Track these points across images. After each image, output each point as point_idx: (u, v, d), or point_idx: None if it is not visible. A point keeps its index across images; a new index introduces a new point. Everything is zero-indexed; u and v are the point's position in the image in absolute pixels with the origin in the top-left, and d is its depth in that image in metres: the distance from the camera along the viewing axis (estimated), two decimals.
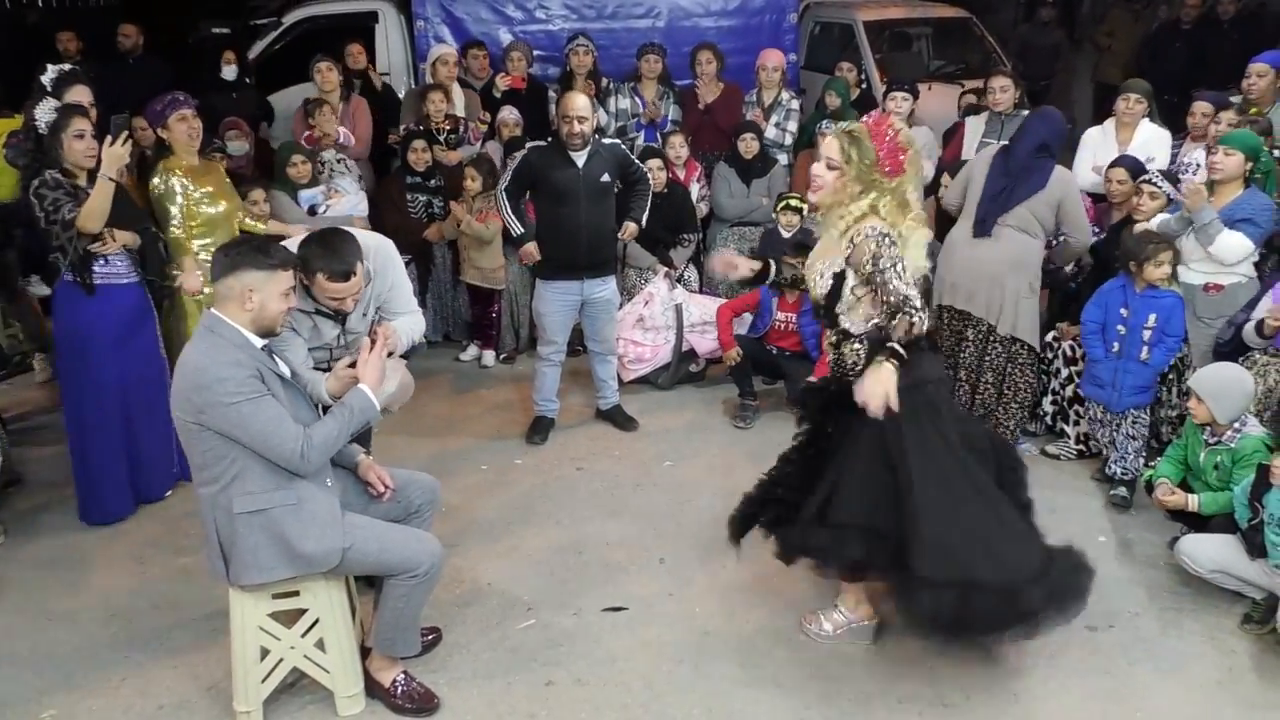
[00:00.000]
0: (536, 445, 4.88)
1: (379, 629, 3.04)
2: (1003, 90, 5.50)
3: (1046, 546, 3.09)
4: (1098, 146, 5.27)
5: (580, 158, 4.59)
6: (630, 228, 4.84)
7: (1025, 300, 4.45)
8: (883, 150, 2.89)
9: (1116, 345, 4.20)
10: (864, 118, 3.08)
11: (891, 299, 2.86)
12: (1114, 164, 4.82)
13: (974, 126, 5.66)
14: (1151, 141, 5.12)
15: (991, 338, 4.51)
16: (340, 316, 3.29)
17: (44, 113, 3.94)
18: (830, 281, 3.01)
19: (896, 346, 2.86)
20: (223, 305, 2.78)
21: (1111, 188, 4.80)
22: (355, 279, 3.09)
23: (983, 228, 4.41)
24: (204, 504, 2.83)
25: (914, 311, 2.85)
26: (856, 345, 3.04)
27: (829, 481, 3.07)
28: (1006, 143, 4.73)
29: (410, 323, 3.46)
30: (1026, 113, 5.54)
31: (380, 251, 3.36)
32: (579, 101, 4.57)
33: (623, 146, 4.88)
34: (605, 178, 4.64)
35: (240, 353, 2.72)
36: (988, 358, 4.54)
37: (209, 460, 2.75)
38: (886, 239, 2.89)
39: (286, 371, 2.89)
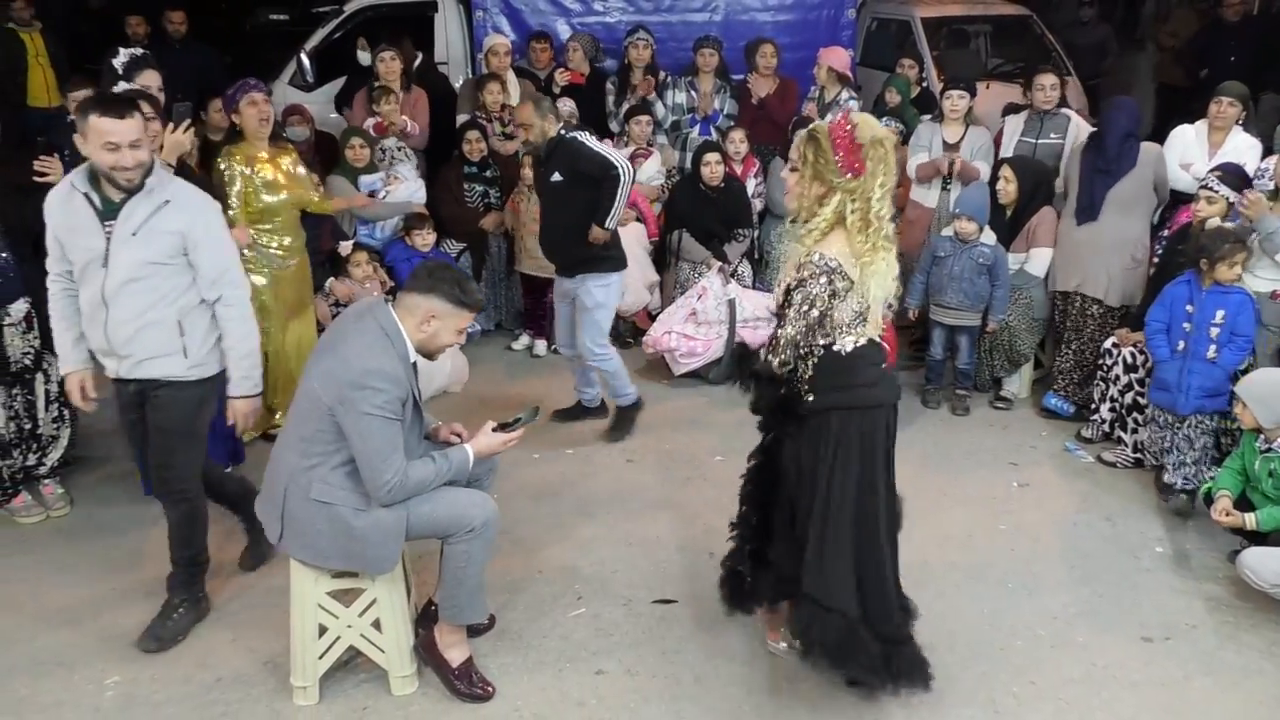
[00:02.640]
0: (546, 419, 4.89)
1: (444, 597, 3.06)
2: (1053, 88, 5.43)
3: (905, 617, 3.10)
4: (1188, 146, 5.13)
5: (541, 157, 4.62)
6: (593, 231, 4.51)
7: (1130, 271, 4.91)
8: (841, 148, 2.80)
9: (1182, 344, 4.13)
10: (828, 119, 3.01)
11: (780, 327, 2.85)
12: (1216, 167, 4.65)
13: (1012, 125, 5.61)
14: (1241, 149, 4.96)
15: (1108, 315, 4.94)
16: (109, 215, 3.03)
17: None
18: (783, 294, 2.95)
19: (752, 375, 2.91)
20: (404, 315, 2.87)
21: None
22: (133, 120, 2.95)
23: (1087, 214, 4.90)
24: (282, 466, 2.90)
25: (784, 352, 2.83)
26: (806, 356, 2.94)
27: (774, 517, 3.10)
28: (1087, 139, 5.08)
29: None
30: (1065, 110, 5.51)
31: (197, 201, 3.19)
32: (521, 114, 4.60)
33: (582, 140, 4.50)
34: (555, 178, 4.51)
35: (401, 368, 2.81)
36: (1105, 330, 4.91)
37: (314, 438, 2.83)
38: (826, 277, 2.78)
39: (417, 387, 2.96)
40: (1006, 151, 5.49)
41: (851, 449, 2.88)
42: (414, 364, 2.92)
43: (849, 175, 2.78)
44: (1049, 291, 5.11)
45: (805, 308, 2.80)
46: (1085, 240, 4.90)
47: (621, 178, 4.43)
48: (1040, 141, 5.42)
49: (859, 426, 2.89)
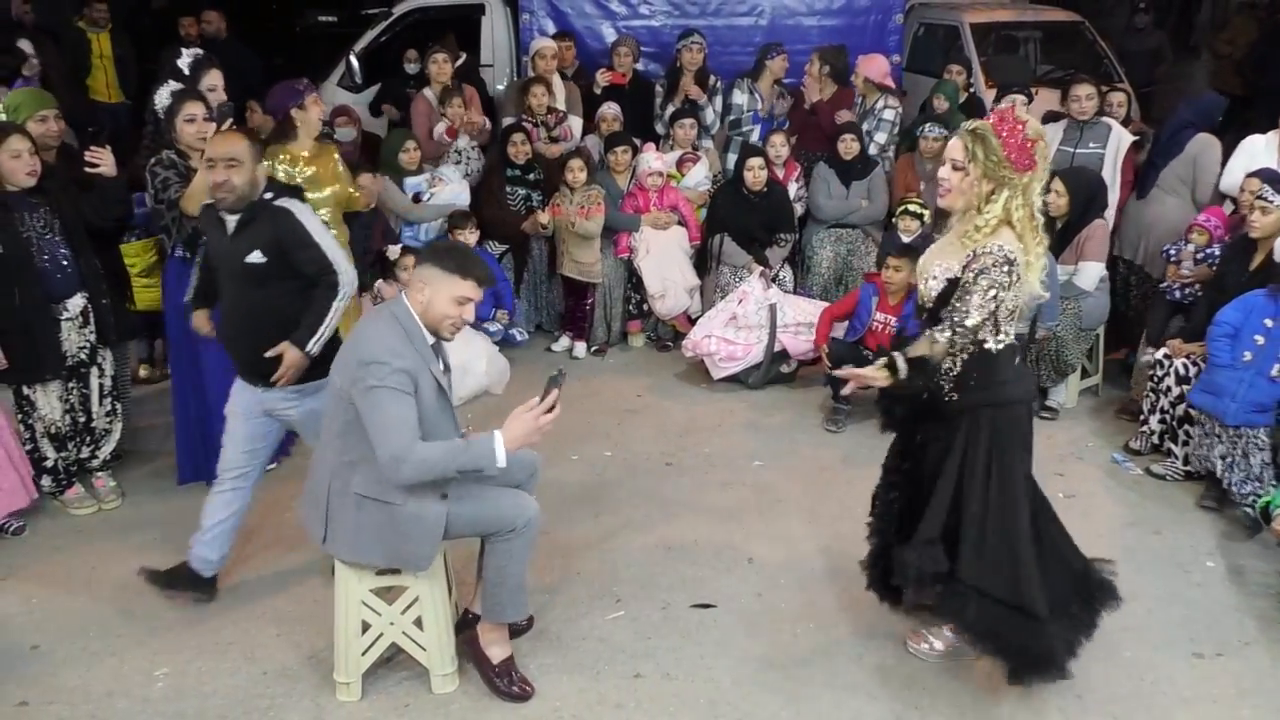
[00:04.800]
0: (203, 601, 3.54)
1: (486, 595, 3.08)
2: (1088, 98, 5.38)
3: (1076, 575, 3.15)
4: (1256, 155, 5.04)
5: (231, 222, 3.33)
6: (287, 354, 3.26)
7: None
8: (1011, 145, 2.80)
9: (1249, 354, 4.03)
10: (989, 115, 3.00)
11: (959, 315, 2.83)
12: (1253, 173, 4.63)
13: (1051, 133, 5.52)
14: None
15: (1146, 283, 5.35)
16: None
17: (162, 97, 4.12)
18: (943, 285, 2.95)
19: (904, 361, 2.86)
20: (411, 294, 2.91)
21: (1243, 196, 4.66)
22: None
23: (1141, 190, 5.42)
24: (322, 467, 2.93)
25: (963, 339, 2.85)
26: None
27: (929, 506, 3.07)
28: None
29: None
30: (1106, 119, 5.45)
31: None
32: (225, 145, 3.27)
33: (299, 216, 3.33)
34: (254, 257, 3.26)
35: (408, 345, 2.81)
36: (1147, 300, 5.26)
37: (346, 431, 2.85)
38: (1007, 266, 2.82)
39: (440, 372, 2.93)
40: None
41: (1010, 443, 2.97)
42: (432, 346, 2.90)
43: (1020, 172, 2.82)
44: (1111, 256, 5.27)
45: (992, 294, 2.83)
46: (1140, 213, 5.39)
47: (341, 288, 3.32)
48: (1079, 151, 5.39)
49: (1010, 421, 2.97)
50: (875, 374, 2.96)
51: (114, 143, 4.31)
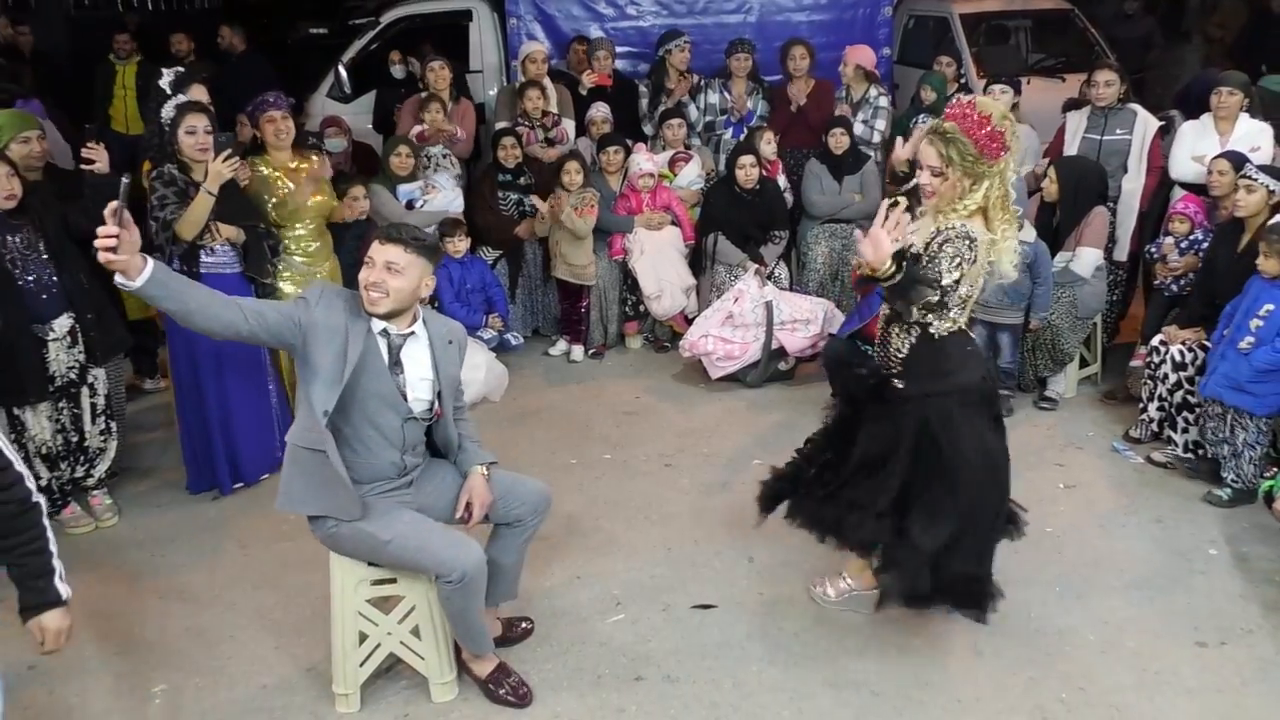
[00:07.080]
0: None
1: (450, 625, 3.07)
2: (1107, 84, 5.31)
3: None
4: (1196, 139, 5.07)
5: None
6: (61, 623, 2.40)
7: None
8: (980, 139, 2.86)
9: (1227, 330, 4.10)
10: (946, 111, 3.02)
11: (933, 273, 2.86)
12: (1218, 156, 4.73)
13: (1075, 121, 5.48)
14: (1254, 134, 4.95)
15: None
16: None
17: (167, 110, 4.12)
18: (898, 259, 2.99)
19: (907, 265, 2.82)
20: None
21: (1213, 179, 4.71)
22: None
23: None
24: None
25: (937, 294, 2.85)
26: (903, 332, 3.07)
27: (853, 461, 3.17)
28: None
29: None
30: (1132, 105, 5.40)
31: None
32: None
33: None
34: None
35: (350, 310, 2.81)
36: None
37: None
38: (968, 241, 2.89)
39: (355, 356, 2.77)
40: (1070, 149, 5.40)
41: (961, 427, 2.99)
42: (382, 332, 2.83)
43: (994, 161, 2.88)
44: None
45: (957, 261, 2.87)
46: None
47: (35, 499, 2.37)
48: (1105, 138, 5.31)
49: (960, 405, 3.01)
50: (887, 245, 2.74)
51: (131, 171, 4.29)
